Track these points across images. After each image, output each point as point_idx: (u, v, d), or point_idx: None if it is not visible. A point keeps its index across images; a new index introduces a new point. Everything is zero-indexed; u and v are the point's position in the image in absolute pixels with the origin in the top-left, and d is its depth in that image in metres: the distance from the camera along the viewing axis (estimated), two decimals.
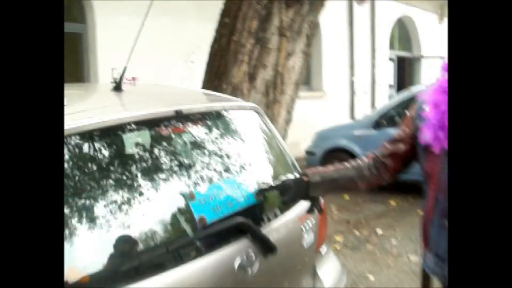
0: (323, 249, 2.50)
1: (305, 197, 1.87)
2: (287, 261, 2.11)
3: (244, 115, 2.40)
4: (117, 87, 2.15)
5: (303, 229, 2.21)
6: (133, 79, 2.80)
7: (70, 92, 2.35)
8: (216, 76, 4.37)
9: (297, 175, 1.89)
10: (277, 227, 2.04)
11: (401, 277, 4.09)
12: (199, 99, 2.47)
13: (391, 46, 14.38)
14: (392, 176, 1.78)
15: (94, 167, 1.61)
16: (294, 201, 1.89)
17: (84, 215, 1.52)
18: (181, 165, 1.89)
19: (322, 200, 1.97)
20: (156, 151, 1.85)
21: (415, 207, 5.75)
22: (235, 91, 4.36)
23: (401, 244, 4.92)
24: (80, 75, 6.86)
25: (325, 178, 1.83)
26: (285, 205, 1.90)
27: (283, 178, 1.92)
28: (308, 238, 2.26)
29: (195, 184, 1.86)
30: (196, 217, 1.73)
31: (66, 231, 1.45)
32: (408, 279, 3.99)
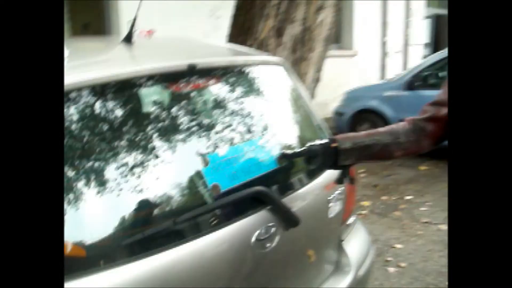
0: (351, 219, 2.28)
1: (333, 165, 1.64)
2: (310, 234, 1.91)
3: (268, 71, 2.15)
4: (127, 39, 1.92)
5: (330, 198, 1.99)
6: (149, 32, 2.57)
7: (76, 46, 2.14)
8: (242, 31, 4.09)
9: (325, 141, 1.66)
10: (301, 196, 1.83)
11: (429, 246, 3.86)
12: (219, 53, 2.22)
13: (428, 4, 13.58)
14: (433, 143, 1.53)
15: (95, 125, 1.41)
16: (320, 170, 1.66)
17: (92, 178, 1.34)
18: (195, 125, 1.67)
19: (352, 169, 1.73)
20: (167, 108, 1.64)
21: (446, 173, 5.42)
22: (261, 48, 4.08)
23: (431, 212, 4.66)
24: (103, 30, 6.66)
25: (356, 144, 1.59)
26: (311, 175, 1.68)
27: (309, 143, 1.69)
28: (335, 208, 2.04)
29: (211, 147, 1.64)
30: (209, 184, 1.53)
31: (71, 196, 1.29)
32: (436, 249, 3.77)
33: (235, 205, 1.58)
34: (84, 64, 1.62)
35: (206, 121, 1.70)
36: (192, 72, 1.69)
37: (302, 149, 1.71)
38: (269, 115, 1.96)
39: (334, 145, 1.60)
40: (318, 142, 1.67)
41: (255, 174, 1.70)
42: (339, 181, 1.72)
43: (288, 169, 1.84)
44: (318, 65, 4.10)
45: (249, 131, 1.81)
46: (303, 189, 1.85)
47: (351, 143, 1.58)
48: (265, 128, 1.89)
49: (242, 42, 3.92)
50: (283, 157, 1.79)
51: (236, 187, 1.60)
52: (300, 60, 4.01)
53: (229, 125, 1.76)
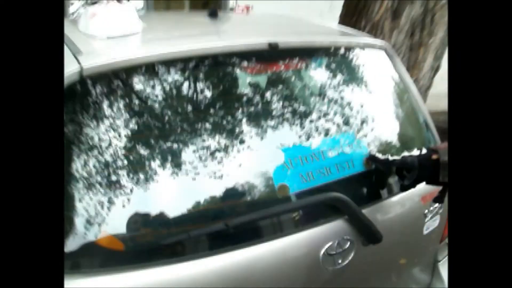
0: None
1: (432, 181, 1.31)
2: (397, 252, 1.60)
3: (369, 55, 1.83)
4: (212, 14, 1.74)
5: (426, 212, 1.64)
6: (247, 8, 2.38)
7: (156, 19, 2.02)
8: (355, 11, 3.72)
9: (424, 151, 1.32)
10: (389, 206, 1.52)
11: None
12: (314, 33, 1.94)
13: None
14: None
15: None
16: (414, 186, 1.34)
17: (169, 161, 1.20)
18: (275, 112, 1.44)
19: None
20: (240, 90, 1.44)
21: None
22: (375, 30, 3.69)
23: None
24: (220, 6, 6.65)
25: None
26: (403, 190, 1.37)
27: (405, 153, 1.37)
28: (432, 224, 1.69)
29: (289, 138, 1.41)
30: (276, 184, 1.31)
31: (142, 175, 1.17)
32: None
33: (304, 211, 1.33)
34: (157, 38, 1.47)
35: (288, 108, 1.46)
36: (274, 51, 1.46)
37: (394, 158, 1.40)
38: (365, 107, 1.65)
39: (435, 157, 1.27)
40: (415, 152, 1.34)
41: (337, 175, 1.43)
42: (438, 199, 1.38)
43: (376, 174, 1.54)
44: (438, 52, 3.59)
45: (336, 124, 1.53)
46: (393, 199, 1.53)
47: None
48: (357, 122, 1.59)
49: (355, 23, 3.57)
50: (371, 160, 1.49)
51: (310, 190, 1.36)
52: (417, 46, 3.54)
53: (313, 115, 1.50)
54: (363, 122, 1.60)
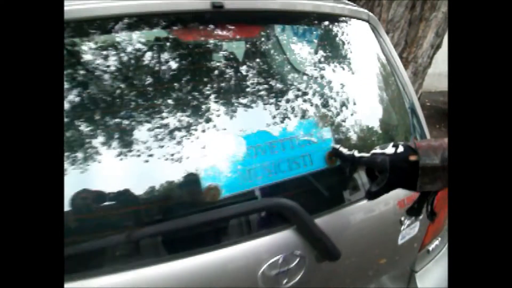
0: (434, 244, 1.60)
1: (408, 187, 0.99)
2: (362, 267, 1.30)
3: (348, 27, 1.49)
4: None
5: (403, 218, 1.34)
6: None
7: None
8: None
9: (400, 148, 1.00)
10: (355, 211, 1.22)
11: None
12: None
13: None
14: None
15: None
16: (385, 191, 1.03)
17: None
18: (213, 90, 1.13)
19: (437, 198, 1.06)
20: (172, 62, 1.12)
21: None
22: (372, 0, 3.32)
23: None
24: None
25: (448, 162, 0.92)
26: (369, 198, 1.06)
27: (375, 149, 1.05)
28: (409, 232, 1.40)
29: (230, 125, 1.10)
30: (203, 186, 1.00)
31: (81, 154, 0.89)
32: None
33: (239, 220, 1.03)
34: None
35: (233, 86, 1.15)
36: (218, 14, 1.13)
37: (362, 155, 1.08)
38: (337, 88, 1.33)
39: (413, 158, 0.95)
40: (388, 148, 1.02)
41: (289, 173, 1.12)
42: (414, 212, 1.07)
43: (340, 173, 1.23)
44: (439, 29, 3.23)
45: (297, 109, 1.21)
46: (360, 204, 1.23)
47: (439, 159, 0.92)
48: (327, 107, 1.28)
49: None
50: (334, 155, 1.18)
51: (251, 192, 1.06)
52: (418, 20, 3.17)
53: (268, 95, 1.18)
54: (326, 105, 1.28)
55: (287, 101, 1.20)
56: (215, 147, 1.04)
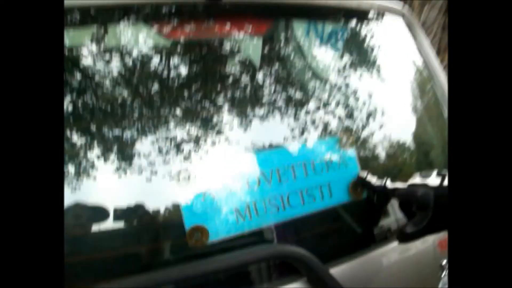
0: None
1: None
2: None
3: (380, 23, 1.22)
4: None
5: (444, 262, 1.06)
6: None
7: None
8: None
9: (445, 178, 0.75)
10: (382, 255, 0.95)
11: None
12: None
13: None
14: None
15: None
16: (422, 236, 0.77)
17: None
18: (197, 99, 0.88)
19: None
20: (158, 62, 0.88)
21: None
22: (401, 1, 3.01)
23: None
24: None
25: None
26: (402, 241, 0.80)
27: (416, 179, 0.81)
28: None
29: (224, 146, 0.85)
30: (187, 227, 0.75)
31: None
32: None
33: (233, 272, 0.78)
34: None
35: (232, 94, 0.90)
36: (215, 7, 0.88)
37: (397, 186, 0.83)
38: (364, 98, 1.07)
39: None
40: (431, 178, 0.76)
41: (303, 209, 0.86)
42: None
43: (367, 208, 0.96)
44: None
45: (313, 124, 0.95)
46: (390, 246, 0.96)
47: None
48: (352, 122, 1.01)
49: None
50: (361, 184, 0.92)
51: (250, 236, 0.80)
52: None
53: (273, 106, 0.93)
54: (351, 119, 1.02)
55: (299, 114, 0.93)
56: (203, 172, 0.79)
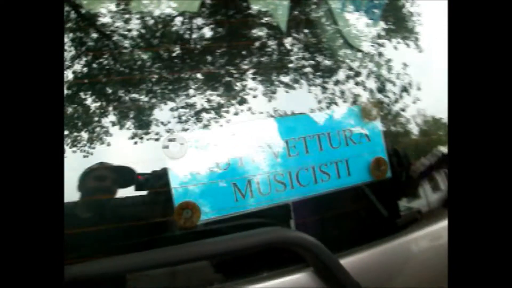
0: None
1: None
2: None
3: None
4: None
5: None
6: None
7: None
8: None
9: None
10: (409, 243, 0.82)
11: None
12: None
13: None
14: None
15: None
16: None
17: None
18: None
19: None
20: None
21: None
22: None
23: None
24: None
25: None
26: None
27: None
28: None
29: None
30: (175, 203, 0.66)
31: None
32: None
33: (228, 259, 0.68)
34: None
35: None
36: None
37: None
38: (398, 69, 0.92)
39: None
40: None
41: (314, 188, 0.75)
42: None
43: (392, 188, 0.82)
44: None
45: (334, 93, 0.82)
46: (419, 233, 0.82)
47: None
48: (382, 92, 0.88)
49: None
50: (395, 161, 0.79)
51: (249, 216, 0.70)
52: None
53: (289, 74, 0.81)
54: (382, 90, 0.88)
55: (316, 81, 0.80)
56: (199, 140, 0.69)
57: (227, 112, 0.73)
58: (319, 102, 0.80)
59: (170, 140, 0.67)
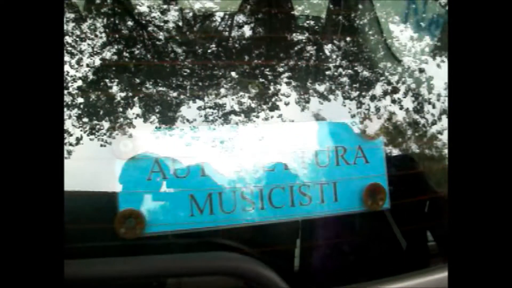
0: None
1: None
2: None
3: None
4: None
5: None
6: None
7: None
8: None
9: None
10: None
11: None
12: None
13: None
14: None
15: None
16: None
17: None
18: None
19: None
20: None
21: None
22: None
23: None
24: None
25: None
26: None
27: None
28: None
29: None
30: (118, 209, 0.57)
31: None
32: None
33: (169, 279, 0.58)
34: None
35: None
36: None
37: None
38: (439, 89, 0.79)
39: None
40: None
41: (289, 211, 0.63)
42: None
43: (386, 221, 0.68)
44: None
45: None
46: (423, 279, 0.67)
47: None
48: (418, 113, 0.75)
49: None
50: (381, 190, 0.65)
51: (204, 234, 0.60)
52: None
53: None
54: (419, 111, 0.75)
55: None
56: (154, 140, 0.59)
57: (193, 109, 0.63)
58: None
59: (118, 137, 0.58)
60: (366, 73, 0.74)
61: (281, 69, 0.71)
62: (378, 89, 0.75)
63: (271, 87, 0.67)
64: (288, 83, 0.69)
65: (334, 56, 0.76)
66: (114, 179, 0.57)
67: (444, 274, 0.67)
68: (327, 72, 0.72)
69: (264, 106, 0.66)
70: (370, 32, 0.83)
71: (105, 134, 0.59)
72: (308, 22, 0.79)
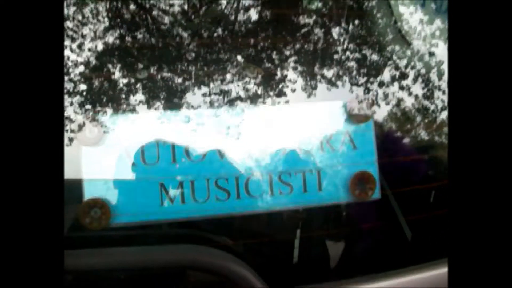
0: None
1: None
2: None
3: None
4: None
5: None
6: None
7: None
8: None
9: None
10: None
11: None
12: None
13: None
14: None
15: None
16: None
17: None
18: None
19: None
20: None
21: None
22: None
23: None
24: None
25: None
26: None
27: None
28: None
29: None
30: (83, 198, 0.53)
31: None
32: None
33: (135, 275, 0.54)
34: None
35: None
36: None
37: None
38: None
39: None
40: None
41: (266, 202, 0.58)
42: None
43: (378, 213, 0.63)
44: None
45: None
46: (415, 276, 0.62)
47: None
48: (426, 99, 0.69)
49: None
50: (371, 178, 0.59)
51: (171, 227, 0.56)
52: None
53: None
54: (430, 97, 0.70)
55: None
56: (120, 125, 0.55)
57: (166, 92, 0.58)
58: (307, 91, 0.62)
59: (83, 123, 0.54)
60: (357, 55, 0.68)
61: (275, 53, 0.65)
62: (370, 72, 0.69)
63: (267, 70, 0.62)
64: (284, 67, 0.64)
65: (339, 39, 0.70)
66: (79, 166, 0.54)
67: (441, 271, 0.62)
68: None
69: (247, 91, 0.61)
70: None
71: (69, 119, 0.55)
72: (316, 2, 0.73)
